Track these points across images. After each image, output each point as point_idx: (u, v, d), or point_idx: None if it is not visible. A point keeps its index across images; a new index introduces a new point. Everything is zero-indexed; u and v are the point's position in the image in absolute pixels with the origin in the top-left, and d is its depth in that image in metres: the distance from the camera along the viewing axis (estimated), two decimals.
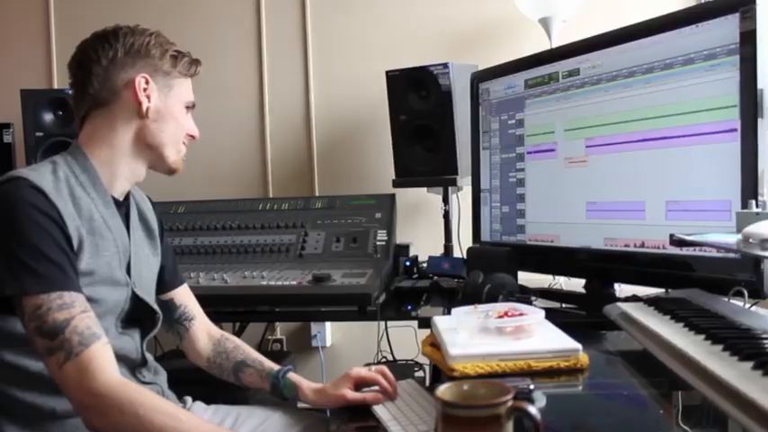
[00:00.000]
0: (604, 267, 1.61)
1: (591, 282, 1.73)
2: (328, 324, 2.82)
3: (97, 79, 1.27)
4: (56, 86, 2.97)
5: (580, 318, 1.57)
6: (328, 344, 2.84)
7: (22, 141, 2.63)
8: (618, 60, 1.55)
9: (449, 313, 1.37)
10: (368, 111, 2.78)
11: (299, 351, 2.83)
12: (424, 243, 2.43)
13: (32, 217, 1.12)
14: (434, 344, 1.27)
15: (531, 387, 0.98)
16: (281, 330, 2.90)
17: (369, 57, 2.79)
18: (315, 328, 2.81)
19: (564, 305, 1.68)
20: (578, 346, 1.12)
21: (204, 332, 1.52)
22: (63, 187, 1.20)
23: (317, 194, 2.81)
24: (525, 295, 1.58)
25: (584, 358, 1.12)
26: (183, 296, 1.52)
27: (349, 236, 2.23)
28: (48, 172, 1.20)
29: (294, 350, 2.78)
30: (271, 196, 2.86)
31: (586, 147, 1.64)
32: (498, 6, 2.68)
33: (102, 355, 1.10)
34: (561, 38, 2.27)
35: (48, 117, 2.61)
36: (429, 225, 2.63)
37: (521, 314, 1.21)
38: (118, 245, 1.27)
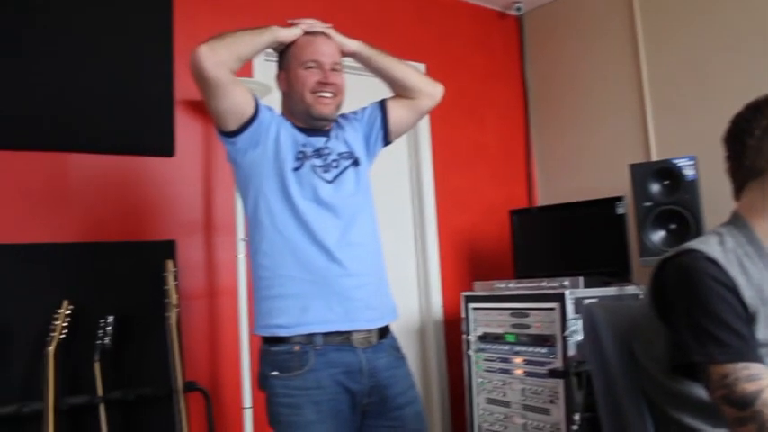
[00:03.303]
0: None
1: None
2: None
3: (751, 150, 1.28)
4: (655, 158, 3.20)
5: None
6: None
7: (632, 212, 2.90)
8: None
9: None
10: None
11: None
12: None
13: (712, 288, 1.17)
14: None
15: None
16: None
17: None
18: None
19: None
20: None
21: None
22: (732, 258, 1.22)
23: None
24: None
25: None
26: None
27: None
28: (715, 243, 1.25)
29: None
30: None
31: None
32: None
33: None
34: None
35: (654, 188, 2.81)
36: None
37: None
38: None
